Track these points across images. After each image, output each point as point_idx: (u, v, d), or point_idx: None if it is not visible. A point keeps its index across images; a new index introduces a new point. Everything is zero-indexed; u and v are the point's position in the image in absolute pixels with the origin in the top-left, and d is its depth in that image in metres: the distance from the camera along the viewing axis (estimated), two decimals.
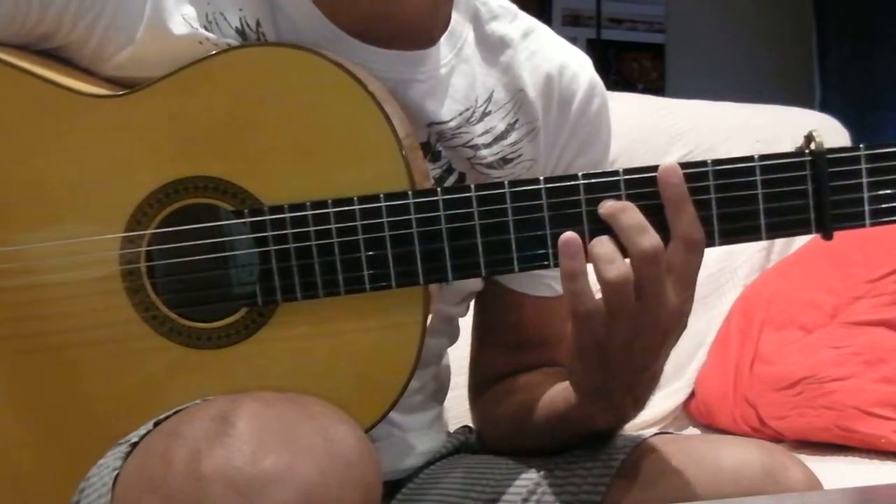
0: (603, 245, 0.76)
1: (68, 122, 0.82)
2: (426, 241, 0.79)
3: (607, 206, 0.77)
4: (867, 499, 0.83)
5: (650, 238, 0.75)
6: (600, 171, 0.79)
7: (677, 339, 0.79)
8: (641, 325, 0.76)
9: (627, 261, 0.75)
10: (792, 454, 0.86)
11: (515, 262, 0.80)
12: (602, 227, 0.77)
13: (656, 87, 3.70)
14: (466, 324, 1.04)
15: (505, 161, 0.92)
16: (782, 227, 0.79)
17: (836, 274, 1.69)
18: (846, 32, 3.55)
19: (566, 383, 0.88)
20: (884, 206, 0.78)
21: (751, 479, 0.81)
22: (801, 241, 1.76)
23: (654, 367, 0.80)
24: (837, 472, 1.34)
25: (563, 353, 1.00)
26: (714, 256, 1.77)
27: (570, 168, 0.95)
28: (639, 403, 0.83)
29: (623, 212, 0.76)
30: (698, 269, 0.77)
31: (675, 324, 0.77)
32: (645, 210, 0.77)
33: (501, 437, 0.98)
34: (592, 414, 0.85)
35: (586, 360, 0.79)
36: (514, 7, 0.96)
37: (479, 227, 0.79)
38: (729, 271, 1.83)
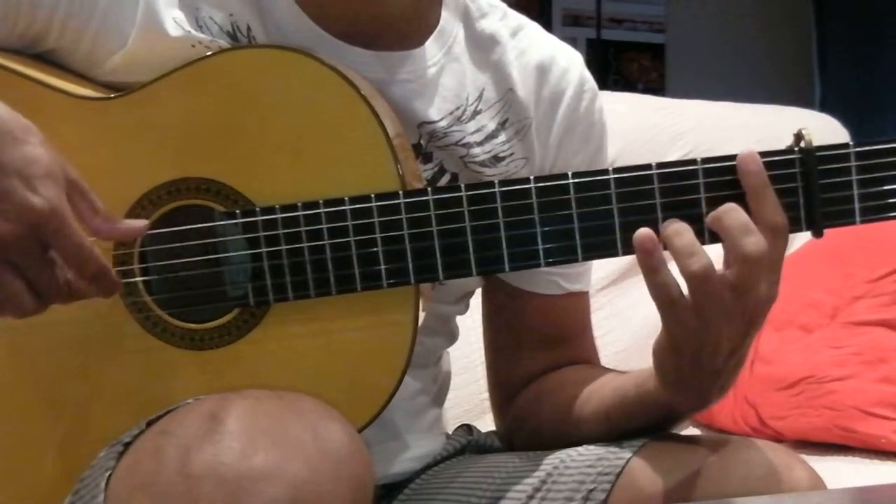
0: (682, 237, 0.76)
1: (61, 124, 0.81)
2: (417, 241, 0.79)
3: (717, 209, 0.77)
4: (867, 499, 0.83)
5: (756, 241, 0.75)
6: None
7: (762, 324, 0.79)
8: (732, 315, 0.76)
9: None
10: (797, 455, 0.86)
11: (506, 262, 0.80)
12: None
13: (656, 87, 3.70)
14: (466, 324, 1.03)
15: (497, 159, 0.92)
16: None
17: (836, 274, 1.68)
18: (846, 33, 3.55)
19: (627, 374, 0.88)
20: (874, 203, 0.78)
21: (756, 480, 0.81)
22: (800, 240, 1.75)
23: (739, 352, 0.80)
24: (837, 472, 1.33)
25: (588, 346, 1.01)
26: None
27: (567, 165, 0.94)
28: (724, 389, 0.83)
29: (728, 213, 0.76)
30: (783, 254, 0.77)
31: (763, 310, 0.78)
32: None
33: (548, 435, 0.95)
34: (676, 403, 0.84)
35: (678, 353, 0.79)
36: (502, 4, 0.96)
37: (469, 227, 0.79)
38: None
